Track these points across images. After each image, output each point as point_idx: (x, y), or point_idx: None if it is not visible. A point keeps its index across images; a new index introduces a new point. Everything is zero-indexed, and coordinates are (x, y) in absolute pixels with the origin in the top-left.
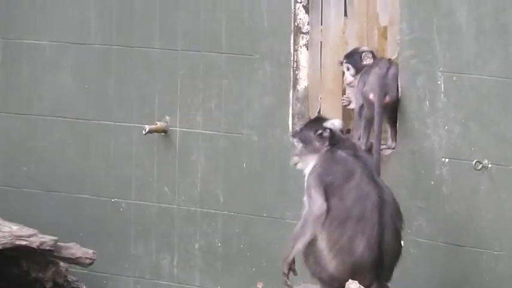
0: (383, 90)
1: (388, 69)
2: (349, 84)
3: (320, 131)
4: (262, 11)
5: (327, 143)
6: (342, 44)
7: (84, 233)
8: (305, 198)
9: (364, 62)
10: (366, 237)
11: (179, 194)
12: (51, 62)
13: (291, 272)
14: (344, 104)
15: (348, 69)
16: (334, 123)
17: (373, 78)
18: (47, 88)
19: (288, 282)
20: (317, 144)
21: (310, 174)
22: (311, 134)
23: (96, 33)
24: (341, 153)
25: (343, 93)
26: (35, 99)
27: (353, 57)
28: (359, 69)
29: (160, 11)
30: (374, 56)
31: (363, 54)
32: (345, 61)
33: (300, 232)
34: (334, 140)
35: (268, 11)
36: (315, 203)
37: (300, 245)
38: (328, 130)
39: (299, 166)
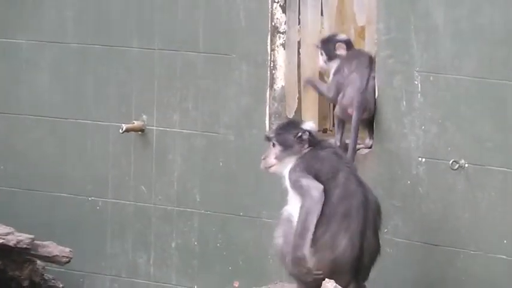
0: (362, 106)
1: (367, 80)
2: (320, 68)
3: (300, 134)
4: (239, 11)
5: (306, 145)
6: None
7: (61, 231)
8: (294, 192)
9: (338, 52)
10: (349, 234)
11: (156, 193)
12: (28, 60)
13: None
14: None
15: (322, 54)
16: (310, 125)
17: (352, 91)
18: (24, 87)
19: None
20: (297, 146)
21: (292, 170)
22: (290, 136)
23: (74, 32)
24: (322, 152)
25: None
26: (12, 98)
27: (327, 45)
28: (332, 57)
29: (137, 10)
30: (350, 46)
31: (337, 44)
32: (319, 46)
33: (307, 224)
34: (314, 142)
35: (245, 11)
36: (310, 188)
37: (310, 237)
38: (307, 132)
39: (273, 169)
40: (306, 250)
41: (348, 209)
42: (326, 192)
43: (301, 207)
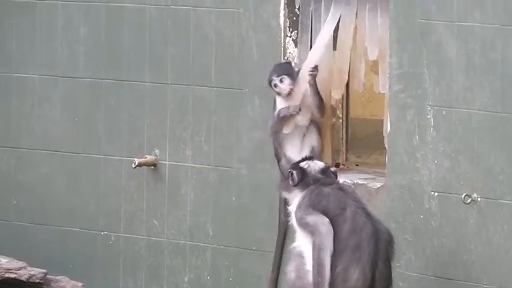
0: None
1: None
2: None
3: (291, 171)
4: (251, 45)
5: (296, 183)
6: (331, 77)
7: (73, 265)
8: (301, 230)
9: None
10: (360, 266)
11: (168, 227)
12: (40, 95)
13: None
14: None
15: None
16: (314, 164)
17: None
18: (36, 121)
19: None
20: (290, 182)
21: (297, 208)
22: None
23: (86, 66)
24: (327, 189)
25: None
26: (24, 133)
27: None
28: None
29: (149, 44)
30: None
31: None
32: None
33: (321, 261)
34: (307, 181)
35: (257, 45)
36: (317, 224)
37: (328, 273)
38: (298, 171)
39: (287, 198)
40: (326, 287)
41: (358, 241)
42: (335, 227)
43: (313, 245)
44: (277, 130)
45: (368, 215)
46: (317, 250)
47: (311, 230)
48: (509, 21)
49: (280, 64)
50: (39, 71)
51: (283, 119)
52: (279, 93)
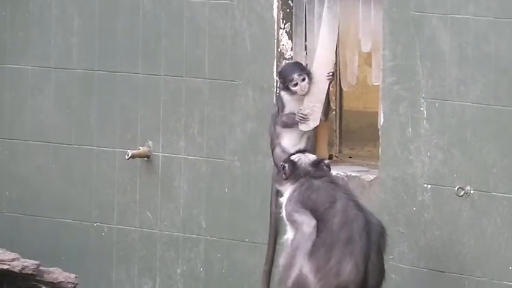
0: None
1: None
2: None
3: (283, 165)
4: (245, 37)
5: (287, 175)
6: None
7: (66, 257)
8: (288, 226)
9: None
10: (353, 259)
11: (161, 219)
12: (34, 86)
13: None
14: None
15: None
16: (305, 156)
17: None
18: (29, 113)
19: None
20: (282, 175)
21: (288, 201)
22: (279, 166)
23: (79, 58)
24: (318, 182)
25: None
26: (17, 124)
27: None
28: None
29: (143, 36)
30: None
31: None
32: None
33: (293, 260)
34: (298, 175)
35: (250, 37)
36: (302, 224)
37: (295, 271)
38: (288, 165)
39: (279, 189)
40: (289, 283)
41: (350, 234)
42: (325, 221)
43: (292, 242)
44: (292, 126)
45: (359, 207)
46: (293, 248)
47: (295, 227)
48: (503, 13)
49: (296, 63)
50: (33, 63)
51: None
52: (294, 93)
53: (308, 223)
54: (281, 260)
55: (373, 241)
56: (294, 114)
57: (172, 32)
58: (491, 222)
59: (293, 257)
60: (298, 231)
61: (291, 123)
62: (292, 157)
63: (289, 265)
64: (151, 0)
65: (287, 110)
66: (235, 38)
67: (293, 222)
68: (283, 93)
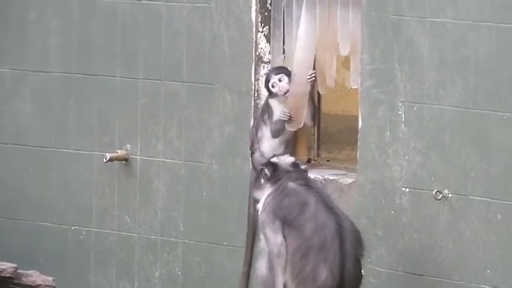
0: None
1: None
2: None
3: (262, 168)
4: (223, 40)
5: (268, 178)
6: (303, 73)
7: (44, 260)
8: (261, 236)
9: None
10: (328, 265)
11: (139, 223)
12: (12, 89)
13: None
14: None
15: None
16: (284, 159)
17: None
18: (7, 116)
19: None
20: (262, 180)
21: (262, 210)
22: (259, 169)
23: (57, 60)
24: (292, 185)
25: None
26: (1, 128)
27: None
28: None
29: (121, 39)
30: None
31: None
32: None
33: (272, 276)
34: (277, 176)
35: (229, 40)
36: (272, 244)
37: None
38: (269, 167)
39: (256, 195)
40: None
41: (322, 240)
42: (299, 228)
43: (267, 261)
44: (282, 131)
45: (331, 209)
46: (269, 268)
47: (266, 243)
48: (481, 17)
49: (276, 67)
50: (10, 65)
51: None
52: (275, 94)
53: (275, 242)
54: (260, 268)
55: (347, 246)
56: (280, 120)
57: (150, 35)
58: (469, 226)
59: (273, 265)
60: (269, 250)
61: (281, 129)
62: (272, 160)
63: (272, 273)
64: (129, 3)
65: (275, 117)
66: (214, 41)
67: (264, 235)
68: (270, 100)
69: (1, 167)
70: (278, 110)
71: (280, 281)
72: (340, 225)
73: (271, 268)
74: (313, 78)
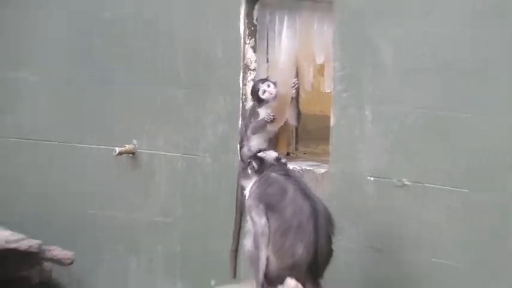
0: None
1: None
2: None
3: (250, 161)
4: (216, 51)
5: (255, 171)
6: (284, 79)
7: (64, 238)
8: (248, 218)
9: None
10: (304, 242)
11: (144, 207)
12: (32, 91)
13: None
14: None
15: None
16: (269, 154)
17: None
18: (27, 116)
19: None
20: (249, 171)
21: (249, 196)
22: (247, 162)
23: (73, 68)
24: (274, 175)
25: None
26: (15, 125)
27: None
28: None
29: (135, 52)
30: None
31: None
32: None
33: (257, 252)
34: (263, 168)
35: (221, 51)
36: (257, 225)
37: (263, 262)
38: (256, 161)
39: (244, 183)
40: (257, 264)
41: (299, 221)
42: (280, 211)
43: (253, 240)
44: (262, 129)
45: (307, 196)
46: (255, 247)
47: (252, 224)
48: (436, 28)
49: (260, 78)
50: (30, 70)
51: (268, 123)
52: (266, 101)
53: (260, 223)
54: (247, 245)
55: (321, 226)
56: (263, 120)
57: (155, 47)
58: (424, 209)
59: (258, 243)
60: (255, 231)
61: (260, 127)
62: (259, 154)
63: (257, 249)
64: (143, 21)
65: (260, 118)
66: (208, 51)
67: (251, 218)
68: (259, 110)
69: (28, 160)
70: (263, 113)
71: (263, 255)
72: (315, 209)
73: (256, 245)
74: (297, 85)
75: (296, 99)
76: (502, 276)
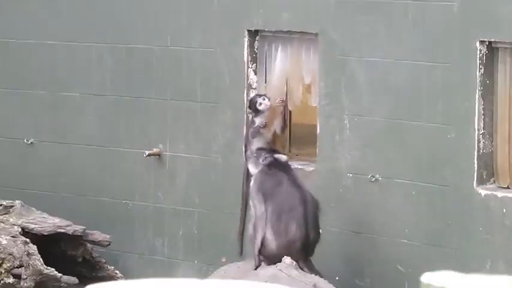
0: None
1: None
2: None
3: (264, 156)
4: (224, 73)
5: (266, 164)
6: (279, 96)
7: (103, 224)
8: (250, 202)
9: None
10: (295, 222)
11: (168, 198)
12: (79, 107)
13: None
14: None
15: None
16: (281, 157)
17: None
18: (78, 128)
19: (261, 263)
20: (261, 161)
21: (252, 184)
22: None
23: (112, 88)
24: (273, 170)
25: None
26: (74, 133)
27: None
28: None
29: (155, 73)
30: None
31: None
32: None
33: (255, 233)
34: (273, 164)
35: (228, 73)
36: (257, 210)
37: (259, 240)
38: (272, 158)
39: (250, 169)
40: (258, 242)
41: (291, 205)
42: (275, 198)
43: (252, 217)
44: (258, 133)
45: (298, 186)
46: (255, 221)
47: (253, 208)
48: (401, 56)
49: (256, 94)
50: (79, 90)
51: (262, 128)
52: (262, 111)
53: (259, 208)
54: (249, 227)
55: (310, 212)
56: (258, 126)
57: (177, 71)
58: (393, 199)
59: (256, 226)
60: (255, 214)
61: (256, 132)
62: (275, 155)
63: (255, 231)
64: (160, 48)
65: (256, 125)
66: (218, 73)
67: (253, 204)
68: (255, 119)
69: (78, 161)
70: (258, 121)
71: (259, 236)
72: (305, 196)
73: (254, 227)
74: (282, 102)
75: (283, 113)
76: (447, 250)
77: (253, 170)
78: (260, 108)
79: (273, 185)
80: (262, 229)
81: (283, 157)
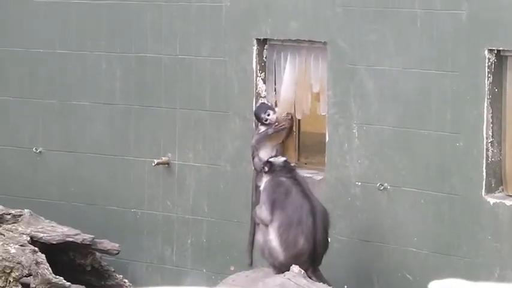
0: None
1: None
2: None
3: (263, 166)
4: (233, 82)
5: (266, 172)
6: (288, 104)
7: (112, 232)
8: (259, 205)
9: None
10: (304, 234)
11: (177, 206)
12: (89, 116)
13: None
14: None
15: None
16: (278, 159)
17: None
18: (88, 135)
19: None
20: (263, 173)
21: (262, 192)
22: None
23: (121, 97)
24: (281, 178)
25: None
26: (83, 142)
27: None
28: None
29: (165, 83)
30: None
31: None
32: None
33: (263, 244)
34: (273, 170)
35: (238, 82)
36: (263, 213)
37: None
38: (268, 165)
39: (258, 183)
40: (266, 253)
41: (300, 217)
42: (284, 208)
43: (259, 228)
44: (264, 141)
45: (307, 196)
46: (264, 231)
47: (260, 211)
48: (409, 65)
49: (261, 106)
50: (89, 99)
51: (269, 136)
52: (268, 124)
53: (265, 218)
54: (258, 237)
55: (318, 221)
56: (262, 133)
57: (187, 80)
58: (401, 207)
59: (265, 236)
60: (259, 214)
61: (262, 138)
62: (270, 159)
63: (264, 241)
64: (170, 57)
65: (260, 131)
66: (227, 83)
67: (260, 208)
68: (260, 127)
69: (86, 169)
70: (263, 129)
71: (259, 237)
72: (313, 206)
73: (264, 234)
74: (287, 117)
75: (290, 123)
76: (456, 258)
77: (261, 179)
78: (267, 123)
79: (281, 195)
80: (262, 230)
81: (280, 159)
